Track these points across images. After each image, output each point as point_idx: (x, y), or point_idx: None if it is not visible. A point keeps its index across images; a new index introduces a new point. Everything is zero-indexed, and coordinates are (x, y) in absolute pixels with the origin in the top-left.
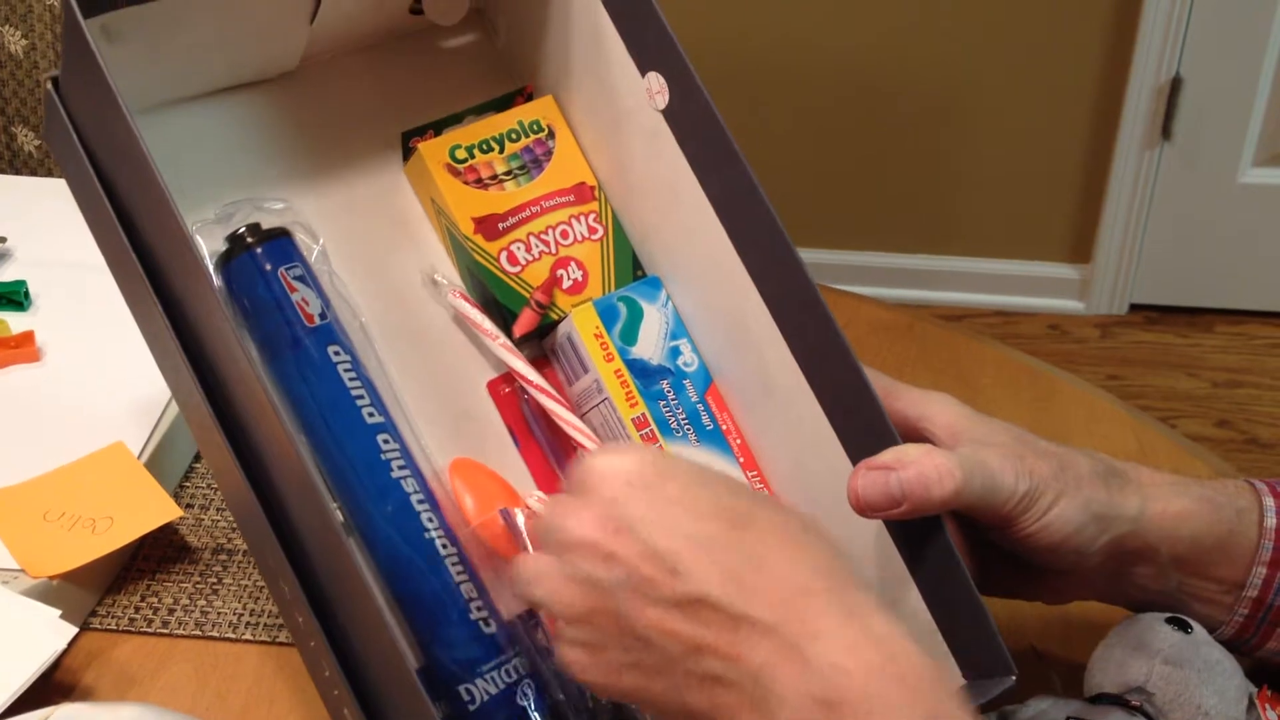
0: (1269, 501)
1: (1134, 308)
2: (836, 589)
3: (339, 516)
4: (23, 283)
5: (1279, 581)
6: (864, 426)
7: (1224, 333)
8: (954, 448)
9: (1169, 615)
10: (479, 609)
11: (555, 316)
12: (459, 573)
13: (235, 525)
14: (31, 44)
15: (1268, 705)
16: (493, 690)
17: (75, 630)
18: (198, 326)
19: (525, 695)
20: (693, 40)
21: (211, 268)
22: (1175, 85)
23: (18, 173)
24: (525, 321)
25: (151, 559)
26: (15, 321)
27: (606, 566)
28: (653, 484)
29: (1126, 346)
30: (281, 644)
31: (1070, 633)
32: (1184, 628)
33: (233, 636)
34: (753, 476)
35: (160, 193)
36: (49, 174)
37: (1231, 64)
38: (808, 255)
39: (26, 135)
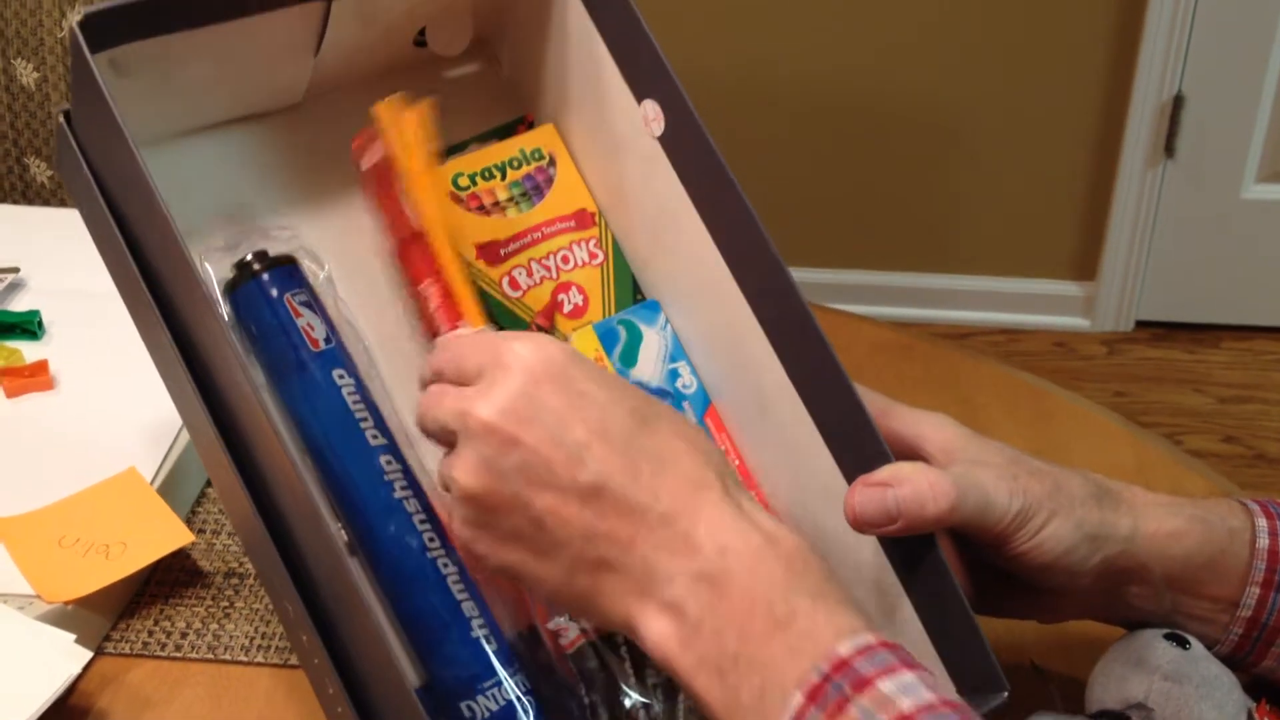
0: (1261, 522)
1: (1140, 324)
2: (729, 489)
3: (342, 537)
4: (36, 312)
5: (1272, 601)
6: (858, 446)
7: (1230, 348)
8: (949, 467)
9: (1167, 631)
10: (480, 626)
11: None
12: (460, 591)
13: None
14: (44, 76)
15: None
16: (493, 707)
17: (90, 655)
18: (204, 352)
19: (526, 712)
20: (690, 64)
21: (219, 294)
22: (1177, 102)
23: (30, 203)
24: None
25: (164, 584)
26: (29, 350)
27: (508, 451)
28: (564, 377)
29: (1133, 363)
30: (293, 667)
31: (1069, 648)
32: (1182, 643)
33: (245, 660)
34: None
35: (166, 224)
36: (61, 204)
37: (1233, 81)
38: (813, 274)
39: (39, 166)
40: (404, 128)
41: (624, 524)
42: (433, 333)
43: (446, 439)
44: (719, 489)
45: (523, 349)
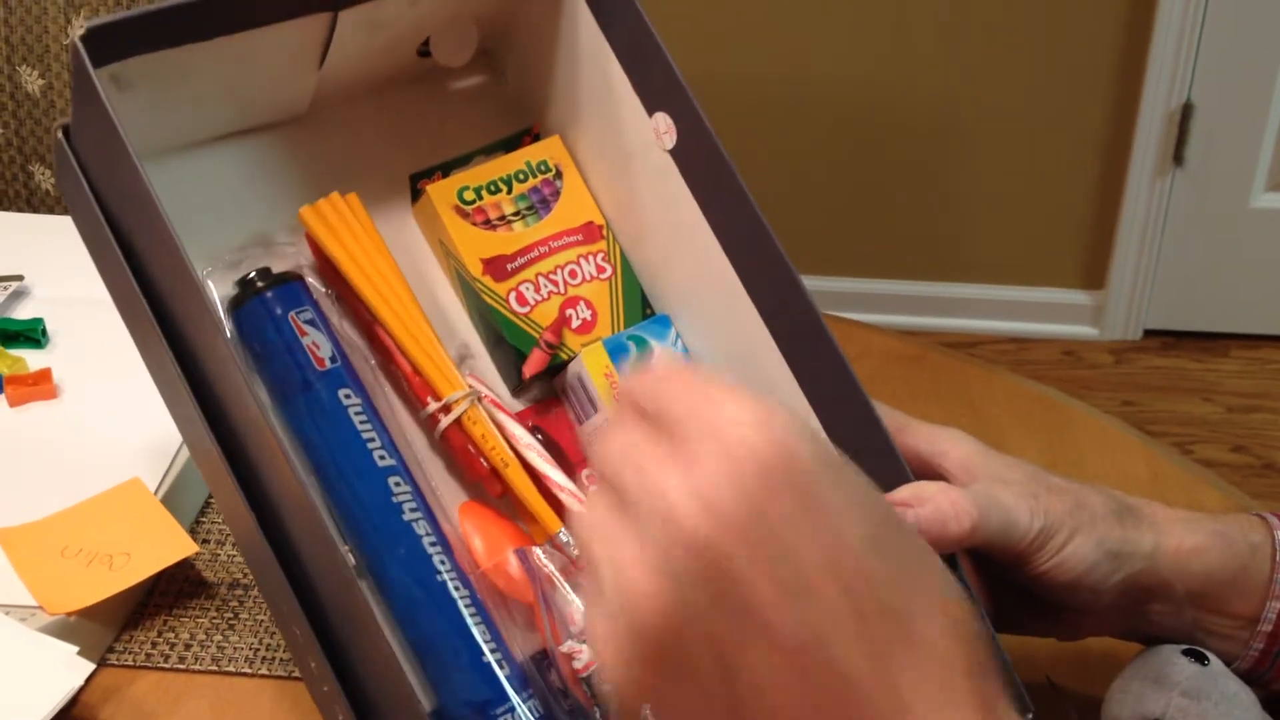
0: None
1: (1148, 333)
2: (979, 685)
3: (350, 560)
4: (40, 320)
5: None
6: (877, 464)
7: (1239, 357)
8: (968, 484)
9: (1186, 647)
10: (492, 650)
11: (565, 356)
12: (472, 615)
13: None
14: (49, 83)
15: None
16: None
17: (92, 666)
18: (208, 372)
19: None
20: (700, 72)
21: (222, 312)
22: (1186, 111)
23: (35, 211)
24: (535, 362)
25: (168, 594)
26: (33, 359)
27: (712, 578)
28: (800, 476)
29: (1141, 372)
30: (297, 679)
31: (1086, 664)
32: (1201, 660)
33: (249, 672)
34: None
35: (170, 240)
36: (65, 212)
37: (1242, 89)
38: (822, 283)
39: (44, 174)
40: (332, 224)
41: (843, 707)
42: (412, 406)
43: (614, 490)
44: (976, 698)
45: (747, 426)
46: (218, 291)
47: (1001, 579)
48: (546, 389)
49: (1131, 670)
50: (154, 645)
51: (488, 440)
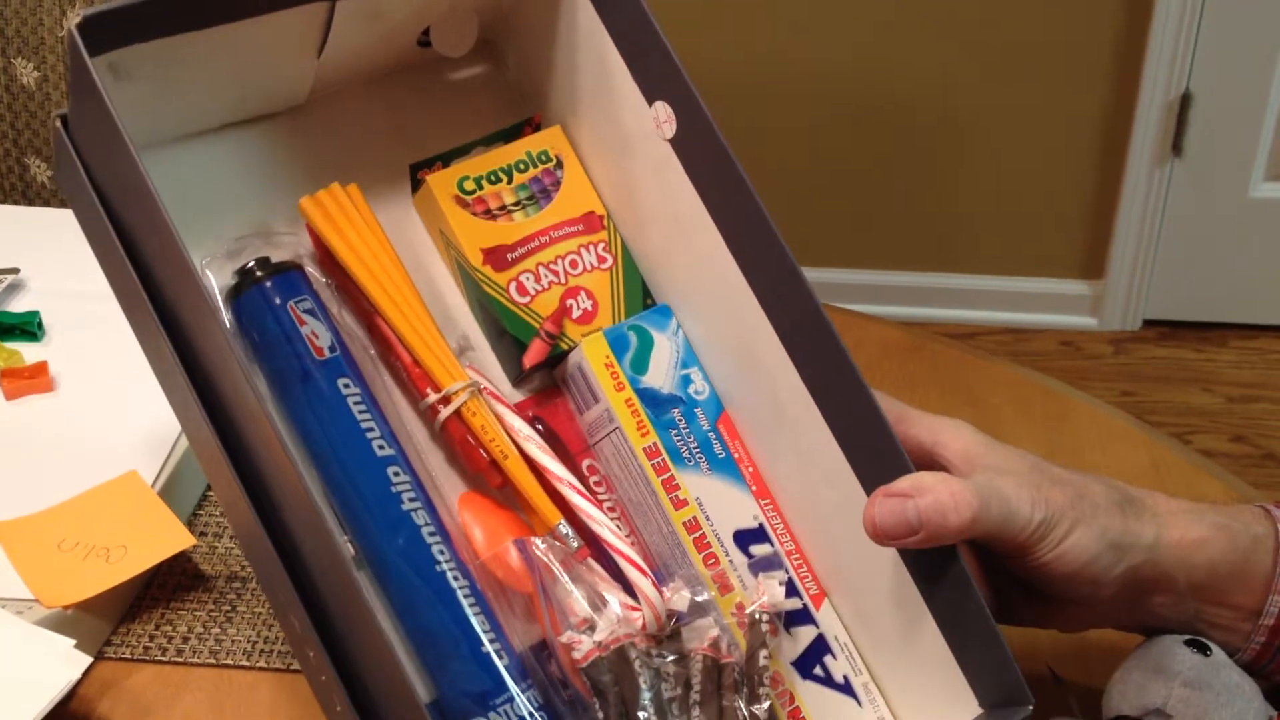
0: None
1: (1147, 323)
2: None
3: (349, 550)
4: (36, 313)
5: None
6: (876, 454)
7: (1238, 347)
8: (969, 475)
9: (1188, 637)
10: (491, 641)
11: (565, 346)
12: (471, 605)
13: None
14: (44, 75)
15: None
16: None
17: (90, 660)
18: (206, 362)
19: None
20: (700, 62)
21: (221, 302)
22: (1185, 101)
23: (31, 203)
24: (535, 352)
25: (166, 587)
26: (29, 352)
27: None
28: None
29: (1140, 362)
30: (296, 671)
31: (1087, 655)
32: (1203, 650)
33: (247, 664)
34: (766, 505)
35: (167, 230)
36: (62, 205)
37: (1241, 79)
38: (819, 274)
39: (39, 166)
40: (332, 215)
41: None
42: (412, 397)
43: None
44: None
45: None
46: (216, 281)
47: (1003, 570)
48: (547, 379)
49: (1133, 660)
50: (151, 638)
51: (487, 432)
